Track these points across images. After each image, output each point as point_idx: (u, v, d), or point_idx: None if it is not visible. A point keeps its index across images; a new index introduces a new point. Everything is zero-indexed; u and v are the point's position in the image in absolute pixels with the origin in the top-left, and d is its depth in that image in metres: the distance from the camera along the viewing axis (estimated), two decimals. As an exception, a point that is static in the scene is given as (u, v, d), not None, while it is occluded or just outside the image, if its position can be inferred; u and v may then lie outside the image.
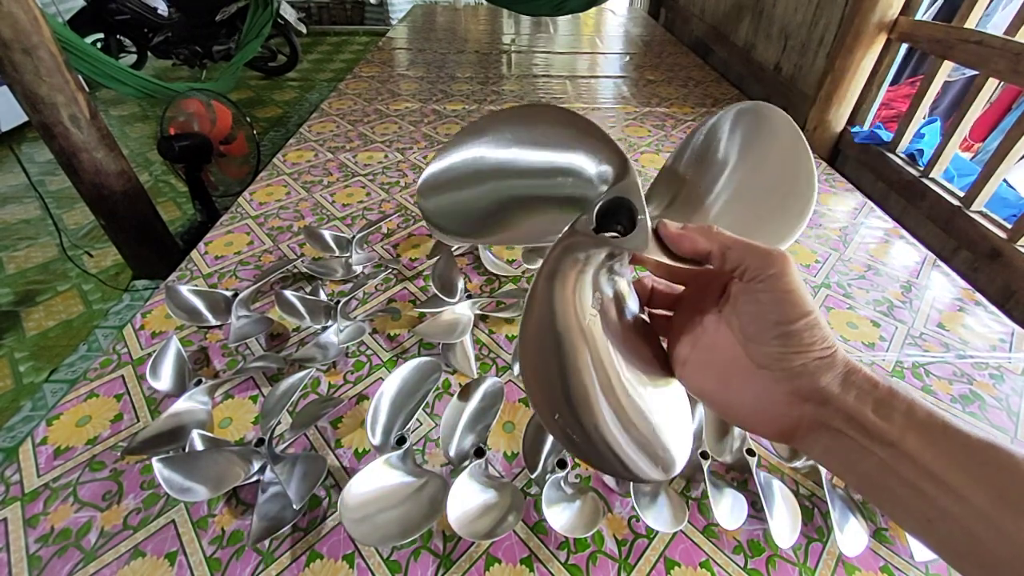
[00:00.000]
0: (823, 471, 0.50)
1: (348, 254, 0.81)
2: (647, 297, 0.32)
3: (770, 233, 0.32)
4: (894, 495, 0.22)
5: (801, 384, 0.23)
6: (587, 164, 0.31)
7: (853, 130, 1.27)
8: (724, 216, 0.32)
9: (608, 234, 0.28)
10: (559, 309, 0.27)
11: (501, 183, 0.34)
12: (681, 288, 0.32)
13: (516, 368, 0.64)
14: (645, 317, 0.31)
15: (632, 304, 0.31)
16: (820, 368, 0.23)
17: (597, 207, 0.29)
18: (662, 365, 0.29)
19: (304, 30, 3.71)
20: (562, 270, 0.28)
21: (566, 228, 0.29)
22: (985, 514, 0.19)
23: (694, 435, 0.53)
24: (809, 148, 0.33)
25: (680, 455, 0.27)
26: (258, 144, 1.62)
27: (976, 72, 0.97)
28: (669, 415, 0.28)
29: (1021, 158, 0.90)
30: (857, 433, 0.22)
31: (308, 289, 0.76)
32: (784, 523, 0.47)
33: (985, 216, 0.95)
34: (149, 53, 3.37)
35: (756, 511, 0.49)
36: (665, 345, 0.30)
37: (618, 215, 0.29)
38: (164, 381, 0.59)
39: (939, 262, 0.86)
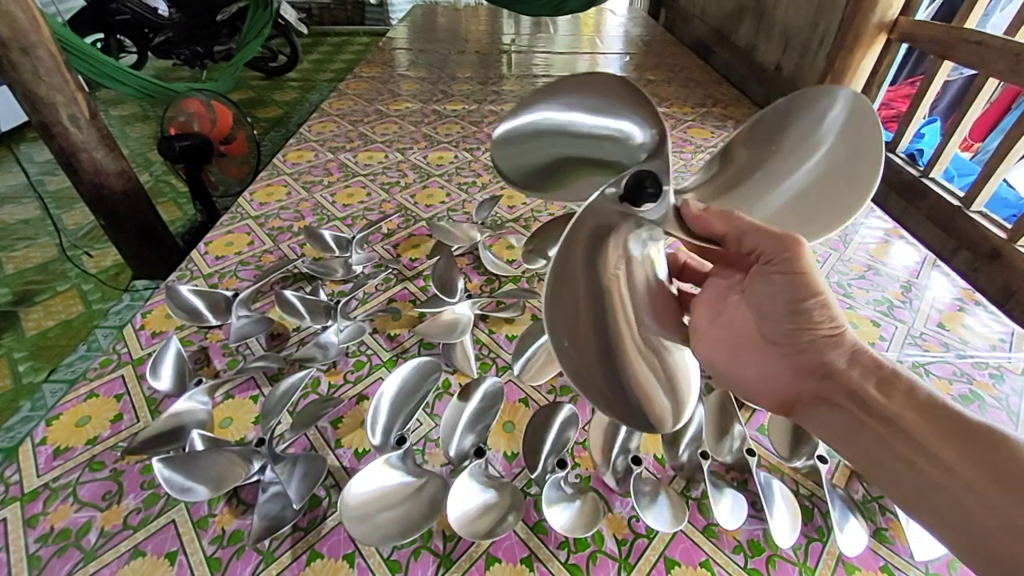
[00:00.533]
0: (823, 471, 0.50)
1: (348, 254, 0.81)
2: (678, 271, 0.33)
3: (824, 213, 0.32)
4: (888, 469, 0.22)
5: (806, 359, 0.24)
6: (633, 133, 0.33)
7: (853, 130, 1.27)
8: (773, 194, 0.33)
9: (638, 206, 0.31)
10: (584, 261, 0.29)
11: (558, 142, 0.38)
12: (711, 267, 0.33)
13: (516, 368, 0.64)
14: (673, 289, 0.32)
15: (660, 272, 0.31)
16: (827, 345, 0.24)
17: (627, 176, 0.31)
18: (679, 332, 0.31)
19: (304, 30, 3.71)
20: (589, 228, 0.30)
21: (596, 192, 0.31)
22: (975, 488, 0.20)
23: (693, 435, 0.53)
24: (881, 132, 0.33)
25: (680, 412, 0.29)
26: (258, 144, 1.62)
27: (976, 72, 0.97)
28: (676, 374, 0.29)
29: (1021, 158, 0.90)
30: (857, 408, 0.23)
31: (308, 289, 0.76)
32: (784, 523, 0.47)
33: (985, 216, 0.95)
34: (149, 53, 3.37)
35: (756, 511, 0.49)
36: (687, 320, 0.31)
37: (643, 193, 0.31)
38: (164, 381, 0.59)
39: (939, 262, 0.86)
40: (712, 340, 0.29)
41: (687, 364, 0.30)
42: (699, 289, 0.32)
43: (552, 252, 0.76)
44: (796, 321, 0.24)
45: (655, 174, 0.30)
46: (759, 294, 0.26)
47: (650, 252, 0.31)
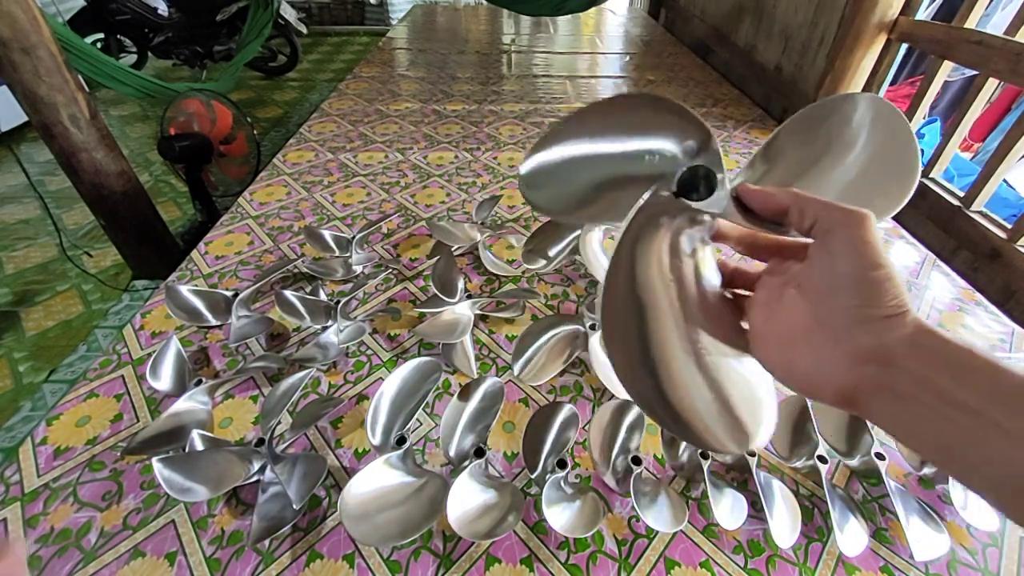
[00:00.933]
0: (823, 471, 0.50)
1: (348, 254, 0.81)
2: (728, 278, 0.32)
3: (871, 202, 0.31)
4: (984, 468, 0.20)
5: (862, 342, 0.22)
6: (672, 141, 0.33)
7: (853, 130, 1.27)
8: (819, 191, 0.31)
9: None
10: (640, 272, 0.28)
11: (592, 166, 0.37)
12: (761, 268, 0.31)
13: (516, 368, 0.64)
14: (726, 293, 0.31)
15: (712, 277, 0.30)
16: (885, 327, 0.21)
17: (678, 175, 0.30)
18: (740, 339, 0.29)
19: (304, 30, 3.71)
20: (643, 235, 0.29)
21: (646, 194, 0.30)
22: None
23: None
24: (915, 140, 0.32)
25: (759, 429, 0.27)
26: (258, 144, 1.62)
27: (976, 72, 0.97)
28: (747, 387, 0.28)
29: (1021, 158, 0.90)
30: (931, 399, 0.20)
31: (308, 289, 0.76)
32: (784, 523, 0.47)
33: (985, 216, 0.95)
34: (149, 53, 3.37)
35: (756, 511, 0.49)
36: (745, 325, 0.29)
37: (697, 186, 0.30)
38: (164, 381, 0.59)
39: (939, 262, 0.86)
40: (769, 338, 0.27)
41: (759, 374, 0.28)
42: (752, 293, 0.30)
43: (552, 252, 0.76)
44: (853, 296, 0.22)
45: (707, 167, 0.30)
46: (816, 268, 0.24)
47: (701, 257, 0.30)
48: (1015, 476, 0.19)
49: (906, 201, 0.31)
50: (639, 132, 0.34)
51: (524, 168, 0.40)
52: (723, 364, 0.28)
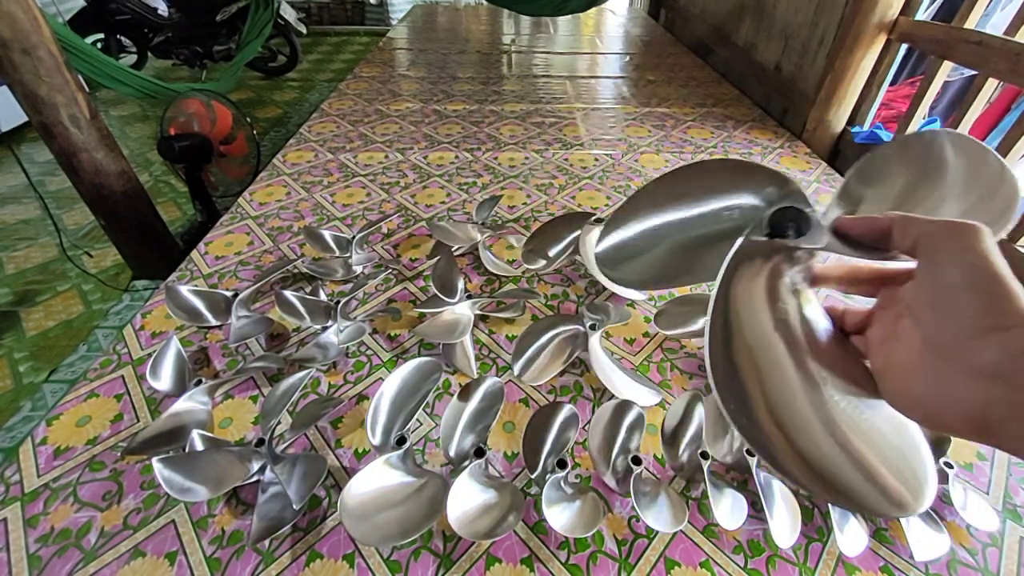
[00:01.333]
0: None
1: (348, 254, 0.81)
2: (840, 321, 0.28)
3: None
4: None
5: (982, 357, 0.19)
6: (749, 194, 0.33)
7: (853, 130, 1.27)
8: None
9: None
10: (744, 320, 0.27)
11: (674, 235, 0.37)
12: (871, 304, 0.28)
13: (516, 368, 0.64)
14: (837, 332, 0.28)
15: (820, 318, 0.27)
16: (1010, 339, 0.18)
17: (767, 217, 0.29)
18: (869, 383, 0.25)
19: (304, 30, 3.71)
20: (741, 282, 0.27)
21: (739, 241, 0.29)
22: None
23: (693, 435, 0.53)
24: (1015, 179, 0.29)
25: (919, 487, 0.23)
26: (258, 144, 1.61)
27: (975, 72, 0.97)
28: (892, 437, 0.24)
29: (1020, 158, 0.90)
30: None
31: (308, 289, 0.76)
32: (784, 523, 0.47)
33: (985, 216, 0.95)
34: (149, 53, 3.36)
35: (756, 511, 0.49)
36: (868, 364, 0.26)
37: (787, 227, 0.29)
38: (164, 381, 0.59)
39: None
40: (893, 376, 0.24)
41: (900, 423, 0.25)
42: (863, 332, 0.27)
43: (552, 252, 0.76)
44: (966, 306, 0.20)
45: (797, 207, 0.29)
46: (923, 284, 0.22)
47: (807, 295, 0.28)
48: None
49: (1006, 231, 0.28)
50: (713, 193, 0.34)
51: (600, 249, 0.40)
52: (859, 414, 0.24)
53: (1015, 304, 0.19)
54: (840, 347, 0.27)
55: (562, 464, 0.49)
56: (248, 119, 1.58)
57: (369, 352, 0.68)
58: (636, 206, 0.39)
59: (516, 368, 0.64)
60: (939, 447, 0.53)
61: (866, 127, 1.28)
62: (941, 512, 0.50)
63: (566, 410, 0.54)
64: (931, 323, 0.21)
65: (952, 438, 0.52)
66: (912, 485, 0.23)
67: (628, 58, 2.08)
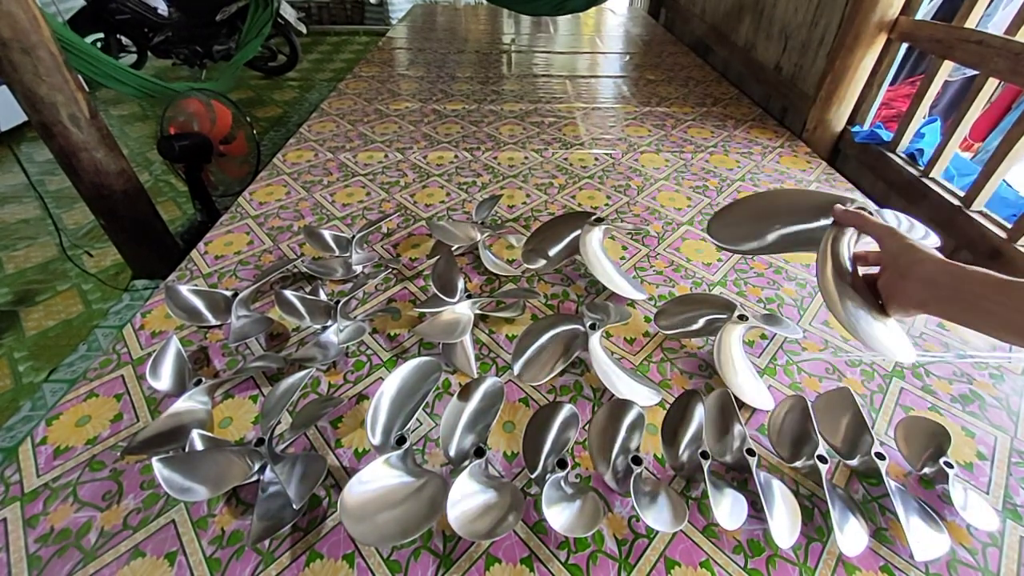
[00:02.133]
0: (823, 471, 0.50)
1: (348, 254, 0.81)
2: (864, 260, 0.52)
3: None
4: (991, 325, 0.40)
5: (918, 273, 0.43)
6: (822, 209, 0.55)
7: (853, 130, 1.27)
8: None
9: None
10: (832, 261, 0.50)
11: (768, 221, 0.60)
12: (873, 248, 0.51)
13: (516, 368, 0.64)
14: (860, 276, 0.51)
15: (848, 256, 0.51)
16: (926, 264, 0.43)
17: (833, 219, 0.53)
18: (873, 299, 0.49)
19: (304, 30, 3.70)
20: (831, 245, 0.51)
21: (828, 232, 0.52)
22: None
23: (693, 435, 0.53)
24: None
25: (907, 350, 0.49)
26: (258, 144, 1.61)
27: (976, 72, 0.97)
28: (888, 328, 0.48)
29: (1021, 158, 0.90)
30: (958, 298, 0.40)
31: (308, 289, 0.76)
32: (784, 523, 0.47)
33: (985, 216, 0.95)
34: (149, 53, 3.36)
35: (756, 511, 0.49)
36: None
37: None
38: (164, 381, 0.59)
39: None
40: (889, 294, 0.47)
41: (893, 324, 0.48)
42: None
43: (552, 252, 0.77)
44: (907, 257, 0.44)
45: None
46: (890, 254, 0.47)
47: (847, 248, 0.51)
48: (1004, 324, 0.39)
49: None
50: (797, 202, 0.60)
51: (716, 215, 0.64)
52: (870, 315, 0.48)
53: (920, 251, 0.43)
54: (863, 283, 0.50)
55: (562, 464, 0.49)
56: (248, 118, 1.58)
57: (369, 352, 0.68)
58: (747, 203, 0.64)
59: (516, 368, 0.64)
60: (939, 447, 0.53)
61: (866, 126, 1.28)
62: (941, 512, 0.50)
63: (566, 410, 0.54)
64: (902, 265, 0.45)
65: (951, 439, 0.52)
66: (904, 349, 0.48)
67: (628, 57, 2.08)
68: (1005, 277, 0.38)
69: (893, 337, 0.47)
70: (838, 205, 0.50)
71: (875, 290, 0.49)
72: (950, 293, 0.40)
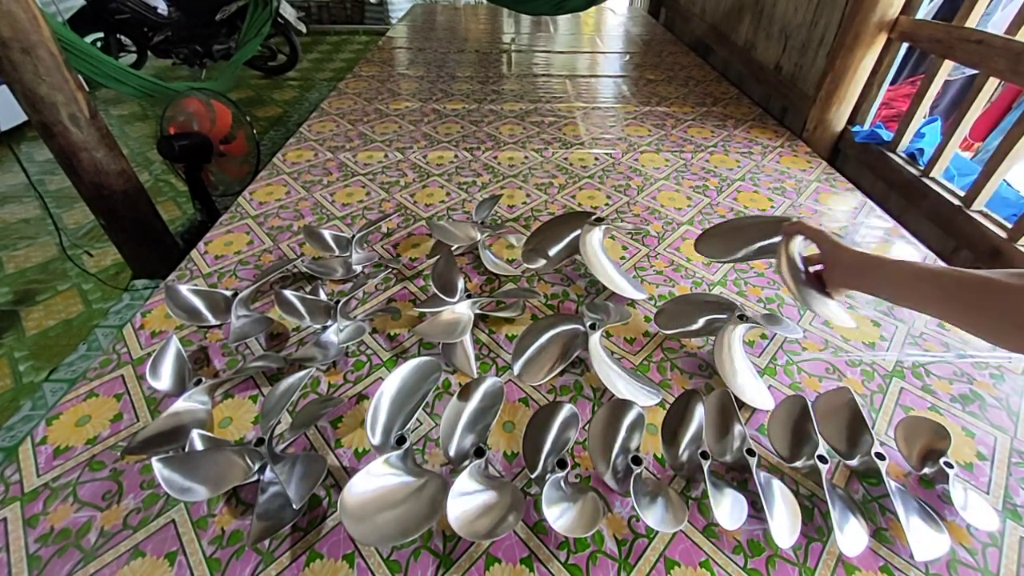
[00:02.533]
0: (823, 471, 0.50)
1: (348, 254, 0.81)
2: (814, 266, 0.62)
3: None
4: (895, 297, 0.51)
5: (845, 260, 0.55)
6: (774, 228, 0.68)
7: (853, 129, 1.27)
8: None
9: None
10: (787, 261, 0.61)
11: (743, 236, 0.72)
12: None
13: (516, 368, 0.64)
14: (811, 268, 0.62)
15: (802, 263, 0.62)
16: (845, 257, 0.55)
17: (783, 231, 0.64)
18: (819, 284, 0.60)
19: (304, 29, 3.70)
20: (786, 250, 0.62)
21: (781, 242, 0.63)
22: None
23: (693, 435, 0.53)
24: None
25: (844, 320, 0.62)
26: (258, 143, 1.61)
27: (976, 71, 0.97)
28: (832, 304, 0.60)
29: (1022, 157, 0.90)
30: (884, 284, 0.51)
31: (308, 289, 0.76)
32: (784, 523, 0.47)
33: (985, 215, 0.95)
34: (149, 52, 3.36)
35: (756, 511, 0.49)
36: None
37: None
38: (164, 381, 0.59)
39: (940, 262, 0.86)
40: (831, 280, 0.58)
41: (837, 304, 0.61)
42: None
43: (552, 252, 0.77)
44: (833, 253, 0.57)
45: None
46: (826, 252, 0.58)
47: (797, 250, 0.63)
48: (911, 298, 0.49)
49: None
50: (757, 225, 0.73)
51: (702, 234, 0.75)
52: (820, 296, 0.60)
53: (842, 247, 0.56)
54: (812, 275, 0.61)
55: (562, 464, 0.49)
56: (248, 118, 1.58)
57: (369, 352, 0.68)
58: (722, 227, 0.76)
59: (516, 368, 0.64)
60: (939, 447, 0.53)
61: (866, 126, 1.28)
62: (941, 512, 0.50)
63: (566, 410, 0.54)
64: (831, 259, 0.57)
65: (951, 439, 0.52)
66: (844, 319, 0.62)
67: (628, 57, 2.08)
68: (898, 261, 0.51)
69: (836, 311, 0.61)
70: (787, 221, 0.62)
71: (820, 279, 0.60)
72: (860, 274, 0.54)
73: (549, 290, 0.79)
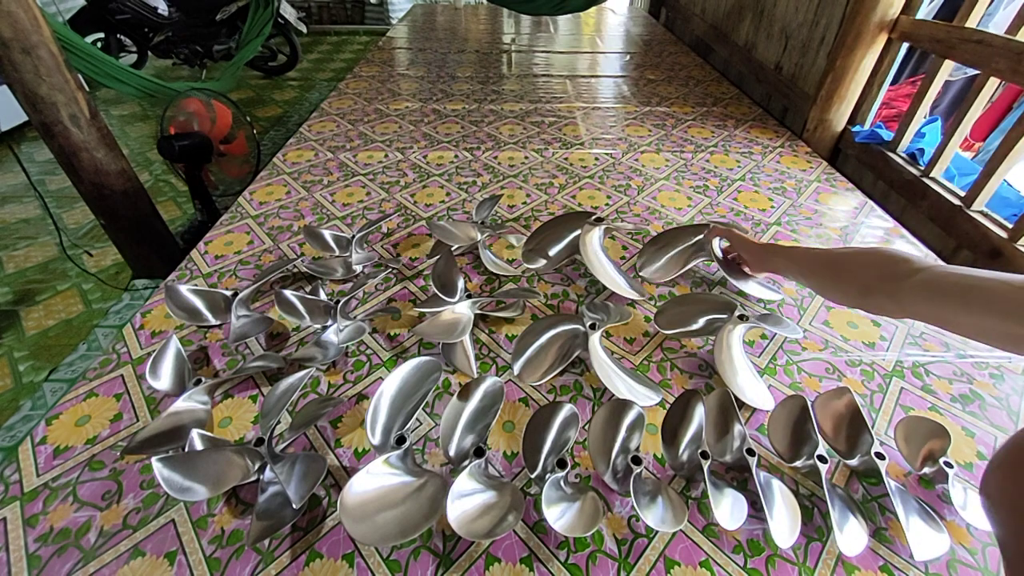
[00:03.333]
0: (823, 470, 0.50)
1: (348, 253, 0.81)
2: (737, 259, 0.80)
3: None
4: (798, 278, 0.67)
5: (757, 251, 0.73)
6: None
7: (854, 129, 1.27)
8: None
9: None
10: (716, 255, 0.80)
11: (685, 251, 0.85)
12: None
13: (516, 368, 0.64)
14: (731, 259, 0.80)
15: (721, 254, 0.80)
16: (757, 250, 0.73)
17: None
18: (742, 272, 0.78)
19: (304, 29, 3.70)
20: (709, 246, 0.80)
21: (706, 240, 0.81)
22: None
23: (693, 435, 0.53)
24: None
25: (765, 294, 0.78)
26: (258, 143, 1.61)
27: (977, 71, 0.97)
28: (751, 282, 0.78)
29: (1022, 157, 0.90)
30: (790, 265, 0.66)
31: (308, 289, 0.76)
32: (784, 523, 0.47)
33: (986, 215, 0.95)
34: (149, 52, 3.36)
35: (756, 511, 0.49)
36: (746, 269, 0.79)
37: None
38: (164, 381, 0.59)
39: (939, 261, 0.86)
40: (752, 266, 0.76)
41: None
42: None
43: (552, 252, 0.77)
44: (748, 247, 0.74)
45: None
46: (742, 250, 0.76)
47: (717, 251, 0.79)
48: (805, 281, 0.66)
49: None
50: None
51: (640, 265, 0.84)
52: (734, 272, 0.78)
53: (747, 242, 0.74)
54: (733, 261, 0.79)
55: (562, 464, 0.49)
56: (248, 118, 1.58)
57: (369, 352, 0.68)
58: (660, 239, 0.87)
59: (516, 368, 0.64)
60: (939, 447, 0.53)
61: (867, 126, 1.28)
62: (941, 512, 0.50)
63: (566, 410, 0.54)
64: (741, 249, 0.76)
65: (951, 439, 0.52)
66: (765, 292, 0.78)
67: (628, 57, 2.08)
68: (787, 248, 0.68)
69: (757, 287, 0.77)
70: (711, 224, 0.82)
71: (739, 263, 0.79)
72: (763, 261, 0.71)
73: (549, 290, 0.79)
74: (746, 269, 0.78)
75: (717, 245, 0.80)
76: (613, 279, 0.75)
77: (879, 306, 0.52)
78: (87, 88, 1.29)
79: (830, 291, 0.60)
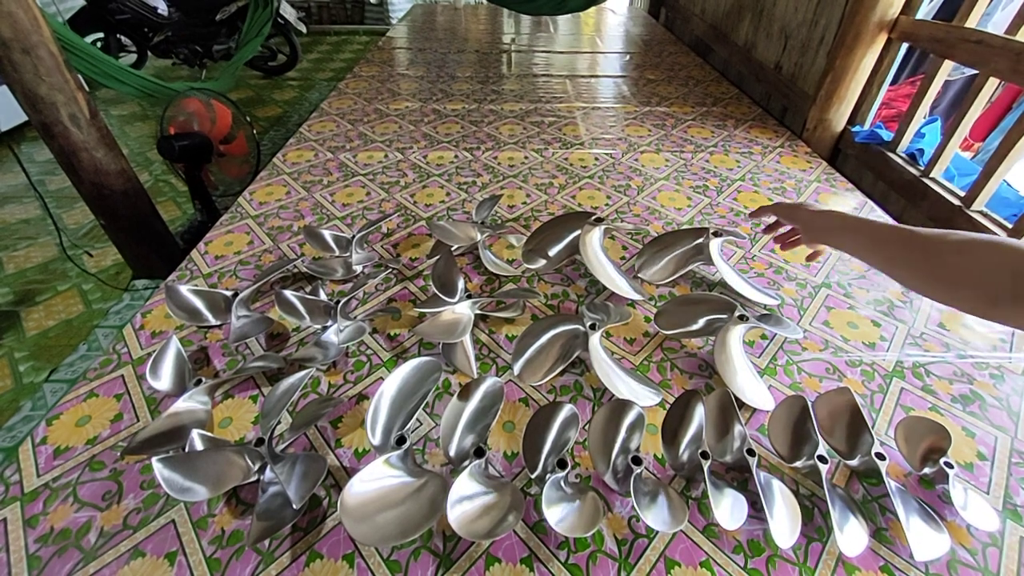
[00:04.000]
0: (823, 471, 0.50)
1: (348, 254, 0.81)
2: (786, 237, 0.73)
3: None
4: (863, 255, 0.56)
5: (822, 224, 0.62)
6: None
7: (853, 129, 1.27)
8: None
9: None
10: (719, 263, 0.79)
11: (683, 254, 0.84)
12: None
13: (516, 368, 0.64)
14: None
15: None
16: (825, 217, 0.61)
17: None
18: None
19: (304, 29, 3.70)
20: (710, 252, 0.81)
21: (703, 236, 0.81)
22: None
23: (694, 435, 0.53)
24: None
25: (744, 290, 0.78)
26: (258, 144, 1.61)
27: (976, 71, 0.97)
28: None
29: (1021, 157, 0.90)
30: (856, 243, 0.56)
31: (308, 289, 0.76)
32: (784, 523, 0.47)
33: (985, 215, 0.95)
34: (149, 52, 3.36)
35: (756, 511, 0.49)
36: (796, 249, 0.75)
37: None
38: (164, 381, 0.59)
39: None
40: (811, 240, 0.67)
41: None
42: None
43: (552, 252, 0.77)
44: (809, 215, 0.64)
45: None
46: (798, 222, 0.67)
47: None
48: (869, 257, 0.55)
49: None
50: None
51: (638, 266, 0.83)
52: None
53: (813, 211, 0.64)
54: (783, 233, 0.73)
55: (562, 464, 0.49)
56: (248, 118, 1.58)
57: (369, 352, 0.68)
58: (656, 243, 0.86)
59: (516, 368, 0.64)
60: (940, 447, 0.53)
61: (866, 126, 1.28)
62: (941, 512, 0.50)
63: (566, 410, 0.54)
64: (795, 218, 0.67)
65: (952, 439, 0.52)
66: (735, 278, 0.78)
67: (628, 57, 2.08)
68: (852, 217, 0.59)
69: (755, 292, 0.77)
70: (753, 211, 0.76)
71: (791, 240, 0.72)
72: (823, 231, 0.61)
73: (549, 290, 0.79)
74: (795, 249, 0.73)
75: (717, 250, 0.78)
76: (613, 279, 0.75)
77: (1017, 318, 0.40)
78: (87, 88, 1.29)
79: (931, 289, 0.46)
